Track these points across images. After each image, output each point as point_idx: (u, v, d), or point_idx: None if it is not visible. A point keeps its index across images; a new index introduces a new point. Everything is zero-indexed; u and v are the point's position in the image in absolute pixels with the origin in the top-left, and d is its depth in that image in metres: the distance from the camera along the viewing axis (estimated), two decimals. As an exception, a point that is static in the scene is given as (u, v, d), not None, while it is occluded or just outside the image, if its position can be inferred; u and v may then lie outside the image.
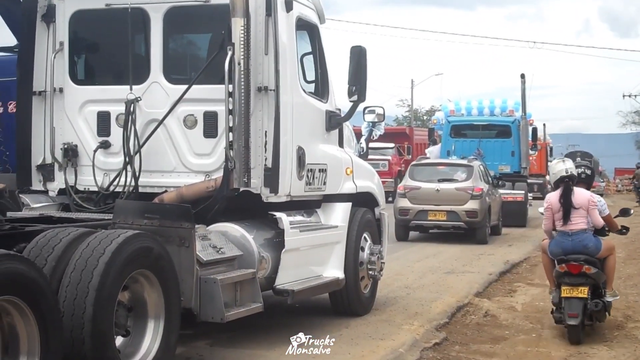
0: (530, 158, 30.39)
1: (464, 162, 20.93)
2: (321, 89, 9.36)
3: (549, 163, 44.99)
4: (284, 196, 8.37)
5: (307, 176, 8.78)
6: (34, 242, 6.21)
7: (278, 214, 8.39)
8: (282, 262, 8.27)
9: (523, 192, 24.55)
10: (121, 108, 8.36)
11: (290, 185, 8.44)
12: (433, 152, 27.43)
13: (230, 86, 7.84)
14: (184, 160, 8.42)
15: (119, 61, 8.78)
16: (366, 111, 10.89)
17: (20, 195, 8.69)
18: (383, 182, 11.29)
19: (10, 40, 9.41)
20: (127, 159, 8.32)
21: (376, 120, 11.27)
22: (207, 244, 7.54)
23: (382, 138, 28.65)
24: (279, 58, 8.16)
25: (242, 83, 7.89)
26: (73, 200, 8.57)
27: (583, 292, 9.03)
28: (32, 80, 8.80)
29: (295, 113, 8.46)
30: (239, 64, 7.86)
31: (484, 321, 10.35)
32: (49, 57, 8.74)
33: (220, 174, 8.07)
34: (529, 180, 27.48)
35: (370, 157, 25.24)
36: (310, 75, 9.27)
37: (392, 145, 37.05)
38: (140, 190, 8.36)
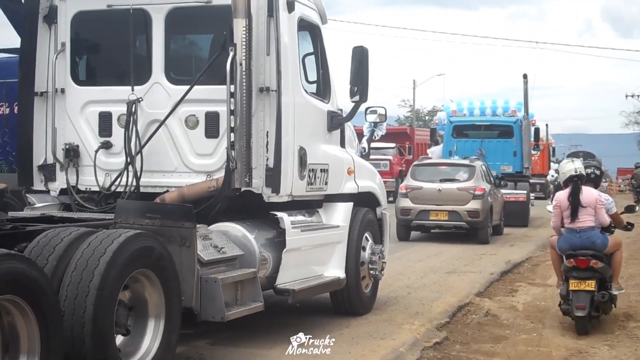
0: (533, 158, 30.37)
1: (466, 162, 20.94)
2: (323, 90, 9.38)
3: (551, 163, 45.09)
4: (285, 196, 8.39)
5: (309, 176, 8.79)
6: (35, 241, 6.23)
7: (279, 214, 8.40)
8: (283, 261, 8.28)
9: (525, 192, 24.56)
10: (123, 108, 8.38)
11: (292, 185, 8.46)
12: (435, 152, 27.44)
13: (232, 87, 7.86)
14: (185, 161, 8.44)
15: (121, 62, 8.80)
16: (368, 111, 10.89)
17: (27, 195, 8.73)
18: (384, 182, 11.30)
19: (16, 41, 9.44)
20: (128, 159, 8.34)
21: (378, 120, 11.27)
22: (208, 243, 7.55)
23: (383, 138, 28.64)
24: (281, 59, 8.17)
25: (244, 83, 7.90)
26: (74, 200, 8.59)
27: (590, 285, 9.43)
28: (33, 81, 8.82)
29: (297, 113, 8.48)
30: (241, 64, 7.88)
31: (485, 321, 10.36)
32: (51, 57, 8.76)
33: (221, 174, 8.09)
34: (531, 181, 27.49)
35: (371, 157, 25.24)
36: (312, 76, 9.29)
37: (393, 145, 36.98)
38: (142, 190, 8.38)
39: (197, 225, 7.22)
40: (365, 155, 12.96)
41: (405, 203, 19.65)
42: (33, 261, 5.71)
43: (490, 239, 19.90)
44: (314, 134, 9.05)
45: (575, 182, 9.69)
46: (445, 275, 14.06)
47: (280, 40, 8.19)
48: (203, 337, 8.50)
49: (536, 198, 31.09)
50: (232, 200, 8.10)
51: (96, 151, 8.60)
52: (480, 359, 8.49)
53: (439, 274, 14.11)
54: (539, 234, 22.82)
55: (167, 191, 8.28)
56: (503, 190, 22.41)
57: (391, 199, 23.94)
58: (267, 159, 8.17)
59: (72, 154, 8.71)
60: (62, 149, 8.74)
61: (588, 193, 9.70)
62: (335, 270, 9.31)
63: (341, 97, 9.67)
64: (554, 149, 49.08)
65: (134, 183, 8.34)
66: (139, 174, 8.33)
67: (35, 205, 8.57)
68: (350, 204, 9.63)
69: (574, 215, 9.62)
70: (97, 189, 8.59)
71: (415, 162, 22.39)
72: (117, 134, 8.52)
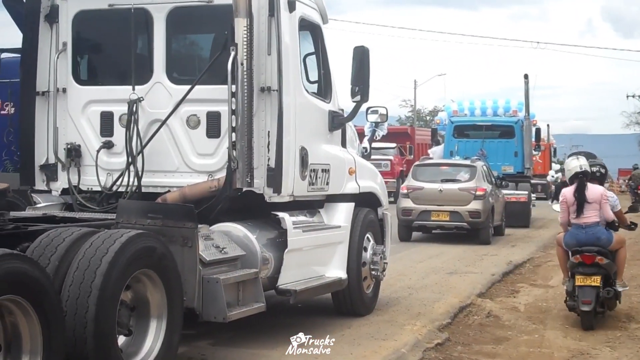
0: (534, 159, 30.36)
1: (467, 162, 20.93)
2: (324, 89, 9.37)
3: (552, 164, 45.01)
4: (286, 196, 8.38)
5: (310, 176, 8.78)
6: (37, 241, 6.22)
7: (281, 214, 8.39)
8: (285, 262, 8.28)
9: (526, 192, 24.55)
10: (124, 108, 8.37)
11: (293, 185, 8.44)
12: (436, 153, 27.43)
13: (233, 86, 7.85)
14: (186, 160, 8.43)
15: (122, 61, 8.80)
16: (369, 111, 10.87)
17: (32, 194, 8.74)
18: (385, 182, 11.29)
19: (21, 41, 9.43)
20: (130, 159, 8.33)
21: (379, 120, 11.26)
22: (210, 243, 7.54)
23: (383, 138, 28.65)
24: (282, 58, 8.16)
25: (245, 83, 7.89)
26: (76, 200, 8.59)
27: (596, 280, 9.71)
28: (35, 81, 8.82)
29: (298, 113, 8.47)
30: (242, 64, 7.87)
31: (487, 322, 10.34)
32: (52, 57, 8.75)
33: (223, 174, 8.08)
34: (532, 181, 27.47)
35: (372, 157, 25.23)
36: (313, 76, 9.28)
37: (393, 145, 36.87)
38: (143, 190, 8.37)
39: (199, 226, 7.21)
40: (366, 156, 12.94)
41: (407, 203, 19.64)
42: (35, 261, 5.71)
43: (492, 239, 19.89)
44: (315, 134, 9.04)
45: (580, 179, 10.00)
46: (447, 275, 14.05)
47: (282, 39, 8.18)
48: (205, 338, 8.49)
49: (537, 198, 31.06)
50: (233, 201, 8.09)
51: (98, 151, 8.60)
52: None
53: (441, 275, 14.10)
54: (540, 234, 22.82)
55: (169, 191, 8.27)
56: (504, 191, 22.41)
57: (392, 199, 23.96)
58: (269, 159, 8.16)
59: (74, 153, 8.70)
60: (64, 149, 8.72)
61: (593, 189, 10.01)
62: (336, 270, 9.30)
63: (342, 97, 9.68)
64: (555, 149, 49.07)
65: (136, 183, 8.33)
66: (140, 173, 8.32)
67: (38, 205, 8.57)
68: (352, 204, 9.62)
69: (579, 211, 9.92)
70: (98, 188, 8.58)
71: (417, 163, 22.40)
72: (119, 134, 8.51)
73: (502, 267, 15.36)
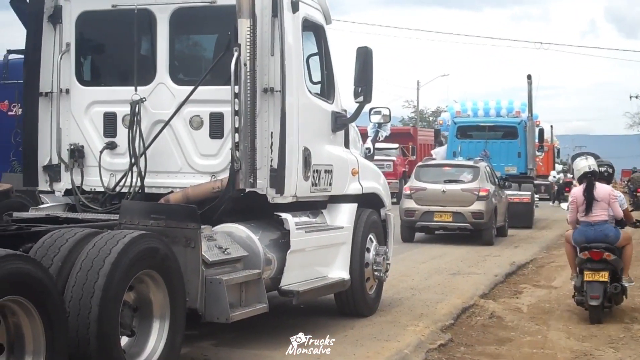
0: (537, 159, 30.33)
1: (470, 163, 20.92)
2: (327, 90, 9.37)
3: (556, 165, 44.98)
4: (289, 197, 8.38)
5: (313, 177, 8.78)
6: (40, 242, 6.23)
7: (284, 215, 8.39)
8: (288, 262, 8.28)
9: (529, 193, 24.53)
10: (127, 109, 8.36)
11: (296, 186, 8.44)
12: (439, 153, 27.41)
13: (237, 87, 7.85)
14: (189, 161, 8.43)
15: (125, 62, 8.79)
16: (372, 112, 10.88)
17: (40, 195, 8.75)
18: (388, 183, 11.28)
19: None
20: (133, 160, 8.33)
21: (382, 121, 11.27)
22: (212, 244, 7.55)
23: (386, 138, 28.60)
24: (285, 59, 8.16)
25: (248, 84, 7.89)
26: (79, 201, 8.59)
27: (604, 276, 10.09)
28: (38, 81, 8.82)
29: (301, 114, 8.47)
30: (245, 64, 7.86)
31: (490, 322, 10.34)
32: (56, 58, 8.75)
33: (226, 175, 8.08)
34: (535, 182, 27.45)
35: (374, 157, 25.23)
36: (316, 76, 9.28)
37: (396, 145, 36.76)
38: (146, 190, 8.37)
39: (202, 226, 7.22)
40: (369, 156, 12.94)
41: (410, 204, 19.63)
42: (38, 262, 5.71)
43: (495, 240, 19.88)
44: (318, 135, 9.04)
45: (589, 179, 10.40)
46: (450, 276, 14.04)
47: (285, 40, 8.18)
48: (207, 338, 8.49)
49: (541, 199, 31.04)
50: (236, 201, 8.09)
51: (101, 152, 8.59)
52: (485, 360, 8.48)
53: (444, 276, 14.10)
54: (543, 235, 22.80)
55: (172, 192, 8.27)
56: (507, 192, 22.40)
57: (395, 200, 23.97)
58: (272, 160, 8.16)
59: (77, 154, 8.70)
60: (67, 150, 8.73)
61: (602, 188, 10.42)
62: (339, 271, 9.29)
63: (345, 98, 9.68)
64: (558, 150, 48.97)
65: (139, 183, 8.33)
66: (143, 174, 8.32)
67: (41, 206, 8.58)
68: (355, 205, 9.62)
69: (588, 209, 10.32)
70: (101, 189, 8.58)
71: (420, 163, 22.37)
72: (122, 135, 8.50)
73: (505, 268, 15.35)
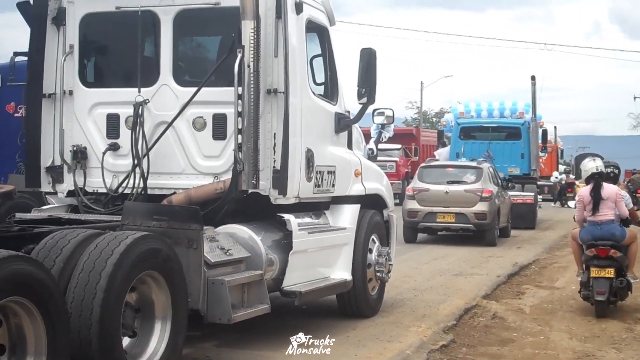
0: (540, 160, 30.32)
1: (474, 164, 20.92)
2: (330, 91, 9.37)
3: (559, 166, 44.92)
4: (292, 198, 8.38)
5: (316, 178, 8.79)
6: (42, 243, 6.24)
7: (286, 216, 8.41)
8: (290, 263, 8.28)
9: (532, 194, 24.53)
10: (131, 110, 8.36)
11: (299, 187, 8.45)
12: (442, 154, 27.41)
13: (240, 88, 7.86)
14: (192, 162, 8.44)
15: (129, 64, 8.79)
16: (375, 113, 10.88)
17: (46, 196, 8.76)
18: (390, 184, 11.29)
19: None
20: (135, 161, 8.34)
21: (385, 122, 11.27)
22: (215, 245, 7.56)
23: (388, 139, 28.60)
24: (289, 60, 8.16)
25: (252, 85, 7.90)
26: (82, 202, 8.60)
27: (610, 272, 10.48)
28: (42, 83, 8.83)
29: (304, 115, 8.47)
30: (249, 66, 7.87)
31: (492, 323, 10.34)
32: (59, 59, 8.76)
33: (228, 176, 8.09)
34: (538, 183, 27.44)
35: (377, 158, 25.24)
36: (320, 78, 9.28)
37: (398, 146, 36.69)
38: (149, 192, 8.38)
39: (204, 227, 7.22)
40: (372, 157, 12.97)
41: (412, 205, 19.63)
42: (40, 263, 5.72)
43: (497, 241, 19.88)
44: (321, 136, 9.05)
45: (596, 179, 10.78)
46: (452, 277, 14.04)
47: (288, 42, 8.18)
48: (209, 339, 8.50)
49: (544, 200, 31.02)
50: (239, 202, 8.10)
51: (104, 153, 8.60)
52: (487, 362, 8.48)
53: (446, 276, 14.10)
54: (546, 236, 22.79)
55: (175, 193, 8.28)
56: (510, 192, 22.39)
57: (397, 200, 23.98)
58: (275, 161, 8.16)
59: (80, 155, 8.71)
60: (70, 151, 8.74)
61: (608, 188, 10.79)
62: (342, 272, 9.30)
63: (349, 99, 9.68)
64: (562, 151, 48.98)
65: (141, 185, 8.34)
66: (146, 175, 8.33)
67: (44, 207, 8.59)
68: (357, 206, 9.62)
69: (595, 209, 10.69)
70: (104, 190, 8.59)
71: (423, 164, 22.37)
72: (125, 136, 8.51)
73: (507, 268, 15.35)
